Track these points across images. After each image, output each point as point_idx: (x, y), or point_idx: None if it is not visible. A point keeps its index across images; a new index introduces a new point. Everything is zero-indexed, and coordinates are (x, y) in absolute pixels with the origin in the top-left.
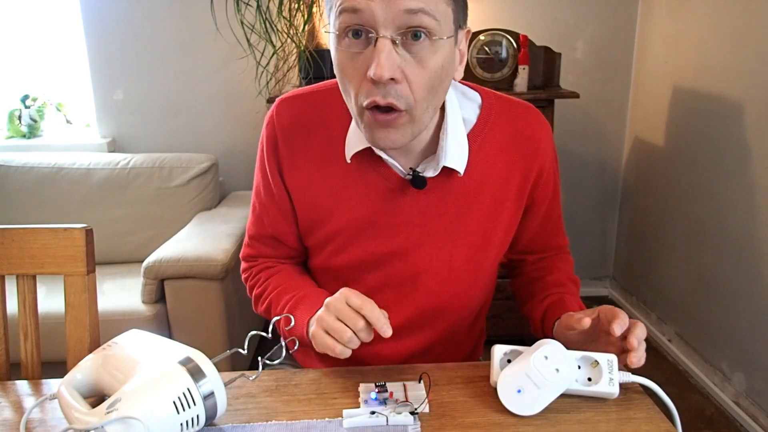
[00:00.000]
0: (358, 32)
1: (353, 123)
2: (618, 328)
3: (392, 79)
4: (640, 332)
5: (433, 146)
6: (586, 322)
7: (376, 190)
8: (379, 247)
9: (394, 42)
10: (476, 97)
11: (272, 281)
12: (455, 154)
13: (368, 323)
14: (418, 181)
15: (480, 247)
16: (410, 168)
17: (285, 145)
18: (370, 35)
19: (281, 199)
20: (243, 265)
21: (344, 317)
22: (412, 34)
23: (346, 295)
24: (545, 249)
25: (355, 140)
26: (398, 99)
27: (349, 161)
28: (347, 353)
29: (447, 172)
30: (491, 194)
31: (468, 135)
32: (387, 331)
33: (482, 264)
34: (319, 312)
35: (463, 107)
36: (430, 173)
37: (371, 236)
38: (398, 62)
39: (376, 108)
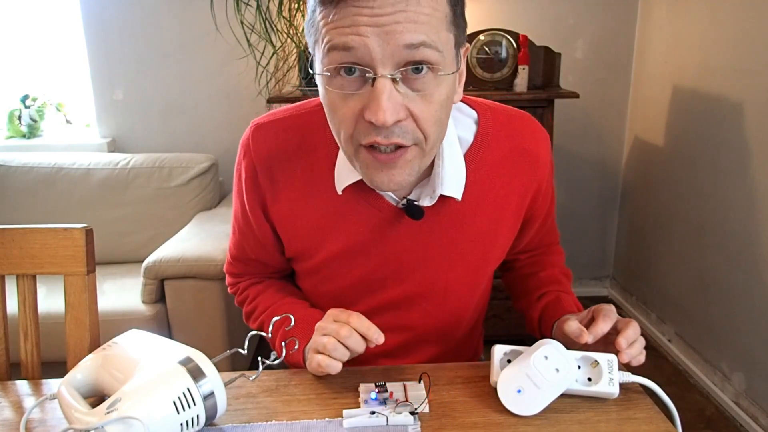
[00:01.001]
0: (352, 69)
1: (342, 152)
2: (591, 338)
3: (396, 120)
4: (631, 332)
5: (428, 171)
6: (587, 338)
7: (367, 220)
8: (372, 273)
9: (394, 80)
10: (472, 113)
11: (262, 300)
12: (452, 180)
13: (358, 334)
14: (413, 211)
15: (477, 268)
16: (404, 197)
17: (265, 177)
18: (367, 74)
19: (263, 235)
20: (228, 279)
21: (329, 331)
22: (413, 68)
23: (332, 314)
24: (538, 247)
25: (345, 172)
26: (404, 136)
27: (340, 193)
28: (335, 366)
29: (442, 197)
30: (488, 215)
31: (465, 156)
32: (379, 338)
33: (479, 283)
34: (319, 344)
35: (458, 125)
36: (426, 202)
37: (363, 264)
38: (401, 101)
39: (375, 147)
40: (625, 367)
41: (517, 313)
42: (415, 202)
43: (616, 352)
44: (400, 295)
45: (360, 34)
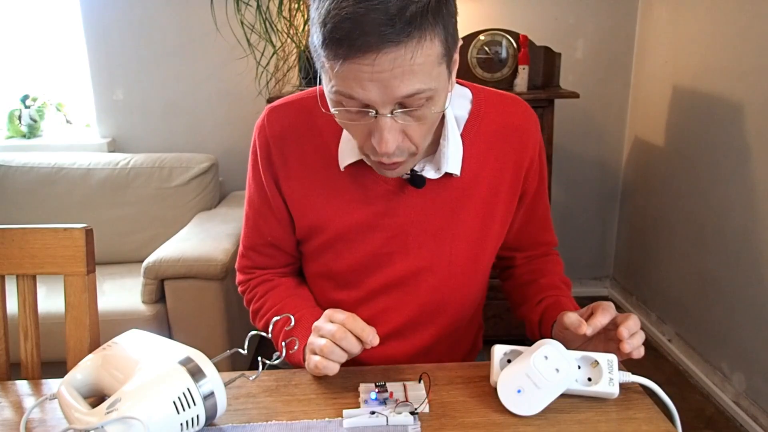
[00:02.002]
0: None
1: (345, 132)
2: (590, 330)
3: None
4: (631, 323)
5: (433, 148)
6: (586, 329)
7: (373, 192)
8: (380, 248)
9: (393, 112)
10: (467, 93)
11: (270, 297)
12: (453, 158)
13: (354, 336)
14: (416, 180)
15: (478, 241)
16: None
17: (278, 154)
18: (370, 113)
19: (278, 208)
20: (239, 276)
21: (325, 333)
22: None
23: (328, 314)
24: (533, 245)
25: (348, 151)
26: (401, 155)
27: (342, 170)
28: (332, 367)
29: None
30: (486, 188)
31: (461, 133)
32: (373, 340)
33: (481, 258)
34: (314, 355)
35: (454, 105)
36: (431, 174)
37: (371, 238)
38: (399, 128)
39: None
40: (625, 366)
41: None
42: (419, 173)
43: (617, 350)
44: (407, 270)
45: (363, 88)
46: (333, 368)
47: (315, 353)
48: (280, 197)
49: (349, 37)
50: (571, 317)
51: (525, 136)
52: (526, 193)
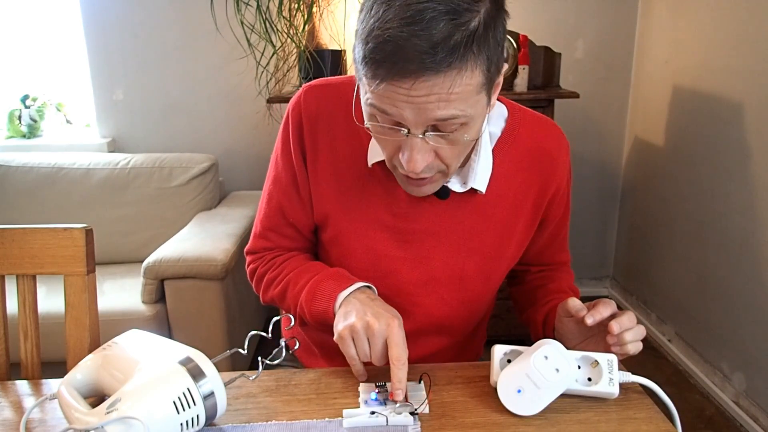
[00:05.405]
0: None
1: None
2: (590, 320)
3: None
4: (624, 319)
5: (463, 161)
6: (586, 316)
7: (396, 194)
8: (394, 251)
9: (425, 134)
10: (503, 111)
11: (289, 264)
12: (482, 175)
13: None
14: (441, 191)
15: (492, 259)
16: None
17: (309, 134)
18: (402, 131)
19: (304, 188)
20: (251, 257)
21: (375, 349)
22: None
23: (392, 333)
24: (549, 264)
25: (378, 149)
26: (431, 172)
27: (370, 166)
28: (363, 374)
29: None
30: (508, 208)
31: (492, 150)
32: (399, 397)
33: (493, 275)
34: (360, 318)
35: (490, 121)
36: (456, 188)
37: (386, 240)
38: (429, 149)
39: None
40: (624, 366)
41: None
42: (444, 184)
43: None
44: (418, 279)
45: (396, 107)
46: (361, 374)
47: (351, 329)
48: (306, 177)
49: (389, 60)
50: (575, 302)
51: (555, 162)
52: (548, 219)
